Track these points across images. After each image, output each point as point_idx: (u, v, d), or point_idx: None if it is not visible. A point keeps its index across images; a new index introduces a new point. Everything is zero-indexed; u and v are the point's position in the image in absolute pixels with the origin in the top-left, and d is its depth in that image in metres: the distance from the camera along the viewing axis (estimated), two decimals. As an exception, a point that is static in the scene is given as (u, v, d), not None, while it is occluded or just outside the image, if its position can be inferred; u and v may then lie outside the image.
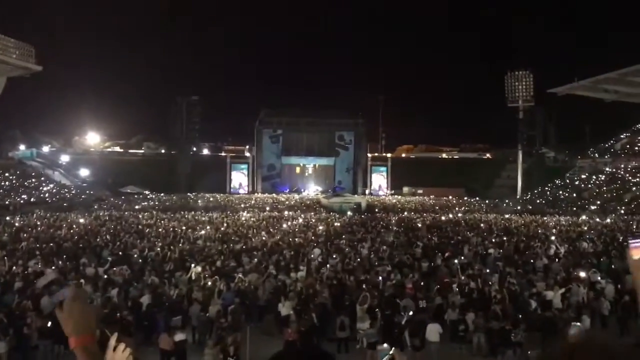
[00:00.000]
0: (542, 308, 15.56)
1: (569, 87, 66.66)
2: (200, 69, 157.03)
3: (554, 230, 35.88)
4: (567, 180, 74.38)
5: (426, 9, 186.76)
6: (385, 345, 3.86)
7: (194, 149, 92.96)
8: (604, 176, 70.34)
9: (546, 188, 73.62)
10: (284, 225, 37.14)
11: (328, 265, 21.20)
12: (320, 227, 35.57)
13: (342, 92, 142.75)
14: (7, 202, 53.04)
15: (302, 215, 46.06)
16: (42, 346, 13.43)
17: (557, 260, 22.92)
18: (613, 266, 20.85)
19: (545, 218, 46.06)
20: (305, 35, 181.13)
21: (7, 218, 40.91)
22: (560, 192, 69.45)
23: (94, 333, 2.06)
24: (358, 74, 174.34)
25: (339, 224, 38.79)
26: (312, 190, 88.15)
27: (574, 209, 56.87)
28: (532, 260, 22.80)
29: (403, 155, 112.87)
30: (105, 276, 18.79)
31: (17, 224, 37.05)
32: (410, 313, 14.28)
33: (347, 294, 16.76)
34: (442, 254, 24.04)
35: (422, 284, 18.12)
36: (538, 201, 67.51)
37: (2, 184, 61.18)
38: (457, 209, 58.29)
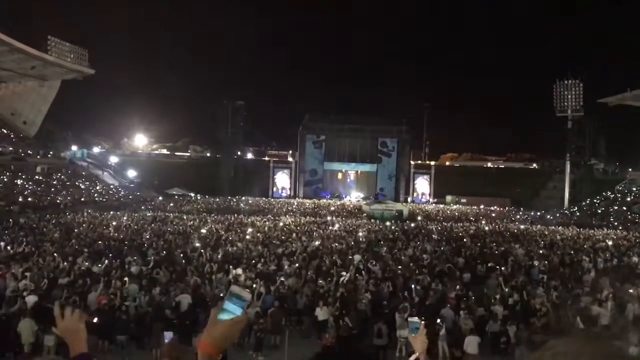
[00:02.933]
0: (587, 324, 15.09)
1: (620, 97, 64.78)
2: (246, 74, 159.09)
3: (602, 243, 34.77)
4: (617, 193, 72.00)
5: (474, 18, 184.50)
6: (416, 318, 3.81)
7: (239, 152, 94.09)
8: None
9: (595, 200, 71.46)
10: (325, 231, 37.19)
11: (369, 272, 21.12)
12: (361, 234, 35.41)
13: (386, 98, 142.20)
14: (58, 200, 54.81)
15: (343, 221, 46.02)
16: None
17: (605, 274, 22.20)
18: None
19: (592, 231, 44.73)
20: (351, 40, 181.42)
21: (56, 215, 42.21)
22: (612, 205, 67.19)
23: (222, 351, 1.81)
24: (403, 80, 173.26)
25: (380, 231, 38.58)
26: (354, 196, 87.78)
27: (624, 222, 54.99)
28: (578, 274, 22.18)
29: (447, 163, 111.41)
30: (149, 275, 19.20)
31: (67, 222, 38.18)
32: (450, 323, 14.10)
33: (386, 302, 16.67)
34: (484, 265, 23.65)
35: (463, 294, 17.85)
36: (587, 213, 65.52)
37: (54, 182, 63.35)
38: (501, 219, 57.18)
